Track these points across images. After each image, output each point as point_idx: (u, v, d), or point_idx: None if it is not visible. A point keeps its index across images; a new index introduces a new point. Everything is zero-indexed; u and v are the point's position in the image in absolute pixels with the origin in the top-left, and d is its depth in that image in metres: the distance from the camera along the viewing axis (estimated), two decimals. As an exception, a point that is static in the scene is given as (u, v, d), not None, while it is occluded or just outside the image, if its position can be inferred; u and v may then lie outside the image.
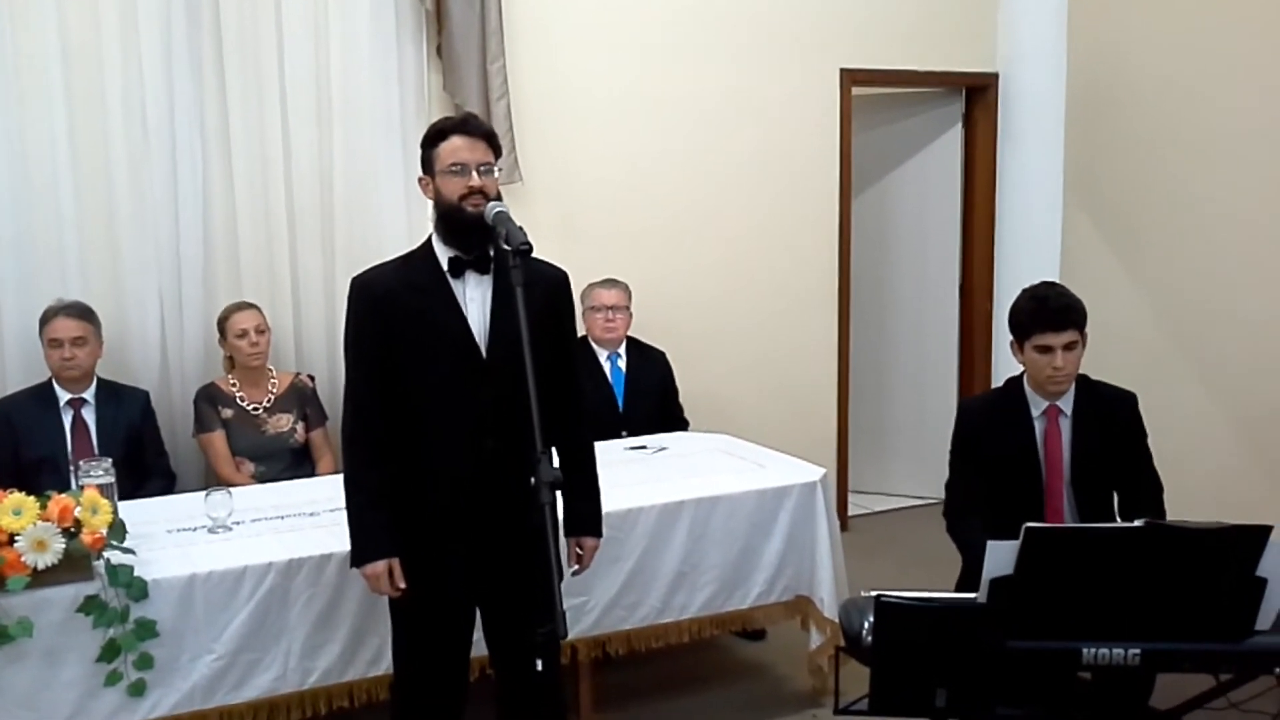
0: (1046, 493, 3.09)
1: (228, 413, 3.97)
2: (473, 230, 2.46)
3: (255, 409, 4.00)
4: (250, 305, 4.05)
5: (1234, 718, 2.41)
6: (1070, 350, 3.01)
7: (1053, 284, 3.16)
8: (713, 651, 4.04)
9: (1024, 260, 5.56)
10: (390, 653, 2.80)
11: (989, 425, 3.15)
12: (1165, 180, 5.24)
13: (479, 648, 2.70)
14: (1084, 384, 3.13)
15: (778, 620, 3.69)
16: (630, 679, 3.75)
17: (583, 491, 2.71)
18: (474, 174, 2.46)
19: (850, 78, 5.35)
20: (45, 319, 3.73)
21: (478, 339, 2.50)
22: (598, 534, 2.75)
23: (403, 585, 2.54)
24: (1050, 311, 3.01)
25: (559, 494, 2.55)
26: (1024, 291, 3.13)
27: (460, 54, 4.40)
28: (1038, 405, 3.11)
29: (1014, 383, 3.18)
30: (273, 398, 4.03)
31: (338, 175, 4.32)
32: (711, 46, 5.02)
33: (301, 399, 4.09)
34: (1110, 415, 3.10)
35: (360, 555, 2.56)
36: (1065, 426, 3.10)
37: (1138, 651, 2.16)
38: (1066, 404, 3.10)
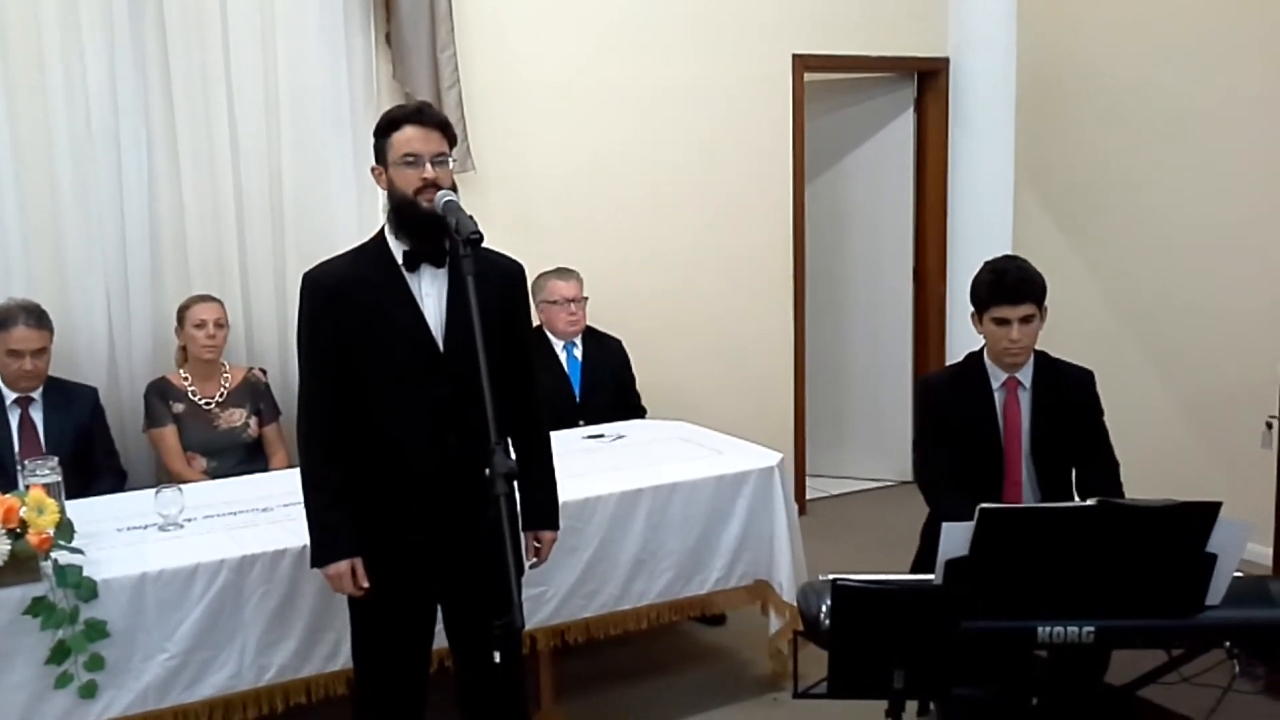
0: (1005, 463, 3.15)
1: (179, 407, 3.91)
2: (427, 225, 2.42)
3: (207, 404, 3.94)
4: (213, 299, 4.01)
5: (1186, 691, 2.44)
6: (1026, 324, 3.07)
7: (1013, 258, 3.25)
8: (673, 638, 4.05)
9: (976, 244, 5.57)
10: (347, 647, 2.78)
11: (950, 398, 3.21)
12: (1114, 165, 5.30)
13: (438, 639, 2.68)
14: (1043, 359, 3.19)
15: (737, 605, 3.70)
16: (590, 667, 3.75)
17: (539, 484, 2.69)
18: (428, 166, 2.43)
19: (802, 63, 5.36)
20: (1, 323, 3.61)
21: (434, 333, 2.48)
22: (555, 527, 2.73)
23: (366, 585, 2.51)
24: (1007, 285, 3.07)
25: (516, 486, 2.54)
26: (985, 264, 3.20)
27: (410, 42, 4.36)
28: (997, 377, 3.17)
29: (974, 356, 3.24)
30: (225, 392, 3.98)
31: (286, 166, 4.27)
32: (663, 34, 5.01)
33: (254, 393, 4.04)
34: (1068, 390, 3.17)
35: (321, 555, 2.52)
36: (1024, 399, 3.16)
37: (1092, 629, 2.18)
38: (1025, 377, 3.16)
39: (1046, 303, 3.13)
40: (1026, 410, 3.15)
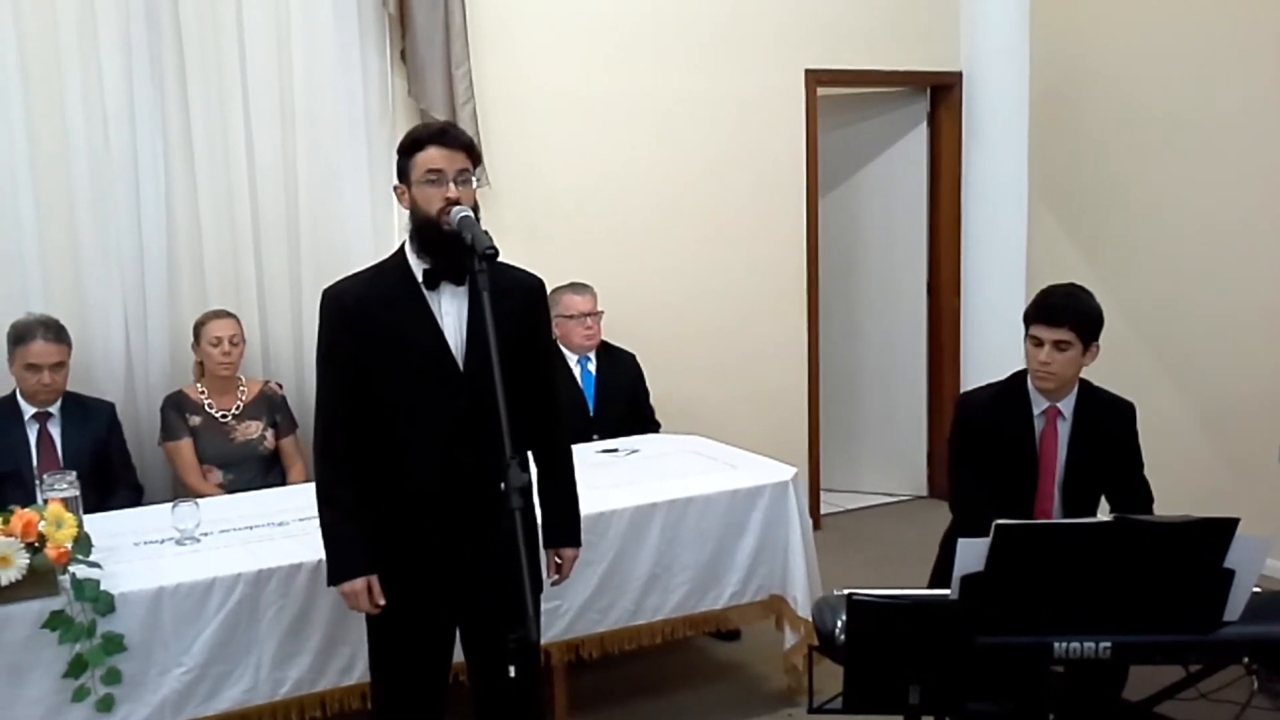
0: (1038, 493, 3.11)
1: (195, 420, 3.93)
2: (448, 244, 2.41)
3: (224, 416, 3.96)
4: (229, 314, 4.02)
5: (1204, 708, 2.43)
6: (1061, 350, 3.01)
7: (1075, 285, 3.14)
8: (687, 653, 4.04)
9: (990, 258, 5.60)
10: (362, 662, 2.79)
11: (990, 419, 3.15)
12: (1128, 177, 5.29)
13: (454, 653, 2.68)
14: (1086, 389, 3.14)
15: (752, 620, 3.69)
16: (605, 682, 3.74)
17: (561, 502, 2.69)
18: (451, 185, 2.42)
19: (815, 78, 5.37)
20: (20, 338, 3.64)
21: (454, 352, 2.47)
22: (576, 544, 2.72)
23: (382, 602, 2.51)
24: (1048, 306, 3.04)
25: (535, 501, 2.54)
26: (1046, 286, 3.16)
27: (425, 58, 4.38)
28: (1038, 404, 3.11)
29: (1018, 377, 3.18)
30: (242, 405, 4.00)
31: (302, 182, 4.29)
32: (677, 49, 5.03)
33: (271, 406, 4.05)
34: (1108, 422, 3.12)
35: (337, 573, 2.51)
36: (1063, 429, 3.11)
37: (1109, 645, 2.16)
38: (1067, 407, 3.11)
39: (1100, 340, 3.06)
40: (1064, 442, 3.10)
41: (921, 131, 5.83)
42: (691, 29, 5.05)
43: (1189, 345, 5.08)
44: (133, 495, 3.82)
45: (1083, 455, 3.09)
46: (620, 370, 4.57)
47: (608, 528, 3.31)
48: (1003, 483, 3.09)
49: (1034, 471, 3.10)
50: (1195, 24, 4.95)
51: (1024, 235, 5.52)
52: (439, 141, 2.45)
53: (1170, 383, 5.15)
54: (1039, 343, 3.03)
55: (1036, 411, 3.11)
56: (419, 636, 2.57)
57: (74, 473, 2.97)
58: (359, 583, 2.49)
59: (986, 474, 3.10)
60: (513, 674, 2.11)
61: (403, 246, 2.53)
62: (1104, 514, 3.19)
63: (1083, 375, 3.14)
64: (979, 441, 3.14)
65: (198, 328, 3.98)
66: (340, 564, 2.51)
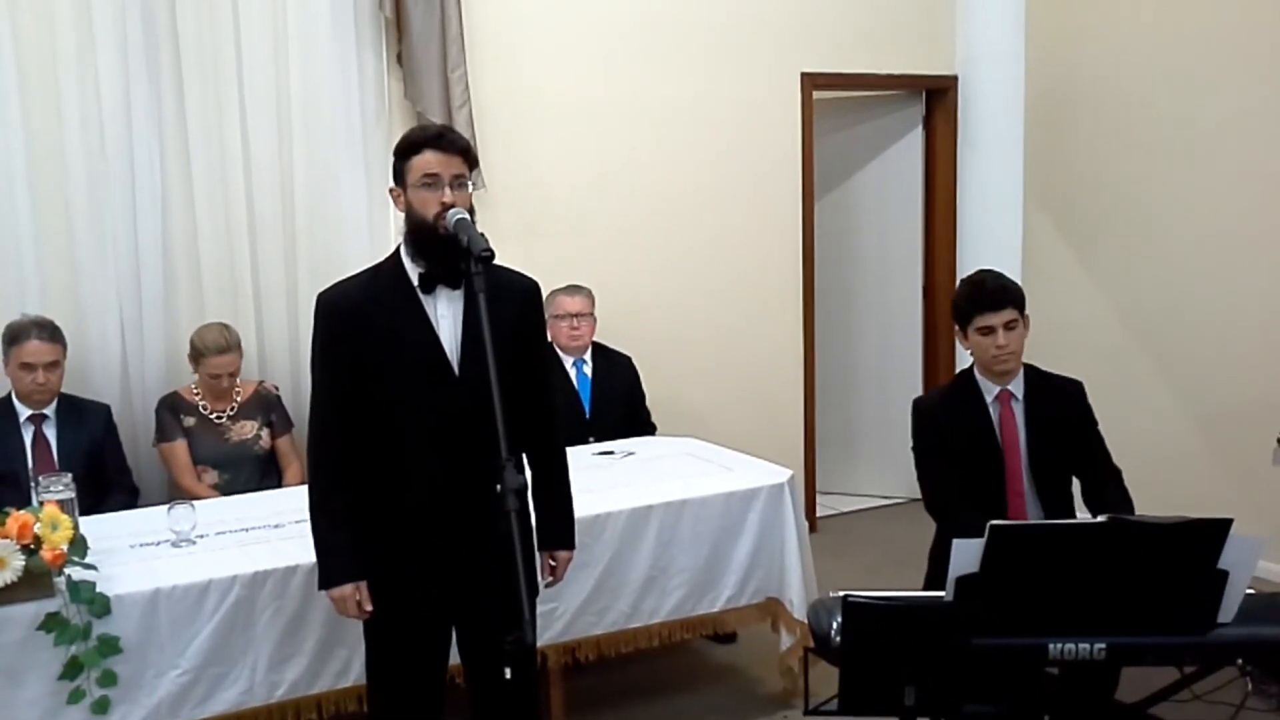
0: (1007, 474, 3.15)
1: (190, 421, 3.93)
2: (444, 248, 2.40)
3: (218, 417, 3.96)
4: (229, 348, 3.90)
5: (1198, 709, 2.44)
6: (1011, 329, 3.10)
7: (988, 270, 3.26)
8: (684, 655, 4.04)
9: (986, 261, 5.50)
10: (358, 664, 2.79)
11: (946, 418, 3.21)
12: (1123, 181, 5.31)
13: (451, 656, 2.68)
14: (1033, 372, 3.23)
15: (748, 623, 3.68)
16: (601, 685, 3.74)
17: (555, 504, 2.69)
18: (447, 189, 2.41)
19: (811, 81, 5.38)
20: (14, 338, 3.64)
21: (450, 357, 2.46)
22: (570, 546, 2.72)
23: (369, 608, 2.51)
24: (987, 293, 3.13)
25: (530, 503, 2.54)
26: (961, 281, 3.27)
27: (421, 62, 4.39)
28: (990, 391, 3.18)
29: (965, 374, 3.26)
30: (236, 405, 3.99)
31: (298, 184, 4.30)
32: (672, 52, 5.04)
33: (266, 406, 4.05)
34: (1061, 402, 3.20)
35: (327, 578, 2.52)
36: (1019, 410, 3.18)
37: (1103, 646, 2.17)
38: (1018, 388, 3.19)
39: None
40: (1022, 420, 3.17)
41: (917, 135, 5.84)
42: (687, 32, 5.06)
43: (1184, 348, 5.09)
44: (128, 497, 3.82)
45: (1043, 432, 3.15)
46: (616, 373, 4.57)
47: (604, 530, 3.31)
48: (972, 476, 3.14)
49: (999, 458, 3.15)
50: (1191, 28, 4.96)
51: (1019, 239, 5.52)
52: (435, 145, 2.44)
53: (1166, 385, 5.16)
54: (989, 330, 3.10)
55: (989, 398, 3.18)
56: (415, 639, 2.57)
57: (69, 475, 2.97)
58: (347, 589, 2.49)
59: (955, 471, 3.15)
60: (509, 676, 2.11)
61: (398, 249, 2.52)
62: (1078, 496, 3.24)
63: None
64: (941, 441, 3.20)
65: (198, 354, 3.89)
66: (329, 570, 2.51)
